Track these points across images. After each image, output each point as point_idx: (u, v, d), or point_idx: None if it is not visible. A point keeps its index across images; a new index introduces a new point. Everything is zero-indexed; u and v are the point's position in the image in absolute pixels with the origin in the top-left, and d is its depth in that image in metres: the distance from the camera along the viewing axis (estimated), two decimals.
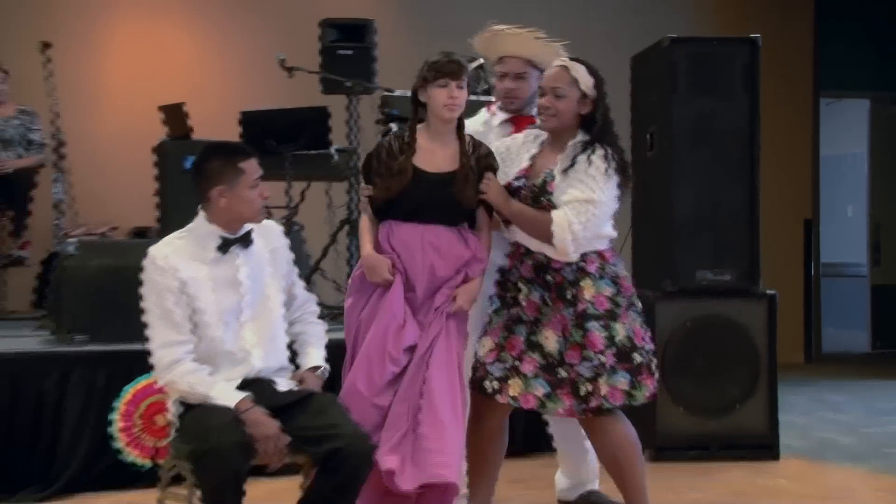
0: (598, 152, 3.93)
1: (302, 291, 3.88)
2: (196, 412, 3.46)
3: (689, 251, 5.76)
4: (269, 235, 3.74)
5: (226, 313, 3.58)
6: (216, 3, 8.13)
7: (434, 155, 3.93)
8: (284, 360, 3.74)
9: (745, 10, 9.59)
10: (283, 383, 3.66)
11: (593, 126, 3.98)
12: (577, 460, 4.61)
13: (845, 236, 11.29)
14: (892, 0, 9.88)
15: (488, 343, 4.06)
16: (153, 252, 3.57)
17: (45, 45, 6.96)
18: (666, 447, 5.69)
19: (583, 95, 3.99)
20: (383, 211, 3.95)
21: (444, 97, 3.86)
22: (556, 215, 3.85)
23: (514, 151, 4.14)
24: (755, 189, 5.86)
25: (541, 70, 4.29)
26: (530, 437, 5.96)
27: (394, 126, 6.13)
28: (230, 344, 3.59)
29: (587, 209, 3.85)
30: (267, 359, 3.65)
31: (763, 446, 5.83)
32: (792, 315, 9.96)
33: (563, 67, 4.01)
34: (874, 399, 8.10)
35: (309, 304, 3.89)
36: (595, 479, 4.64)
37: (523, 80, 4.38)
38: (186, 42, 8.22)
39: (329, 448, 3.42)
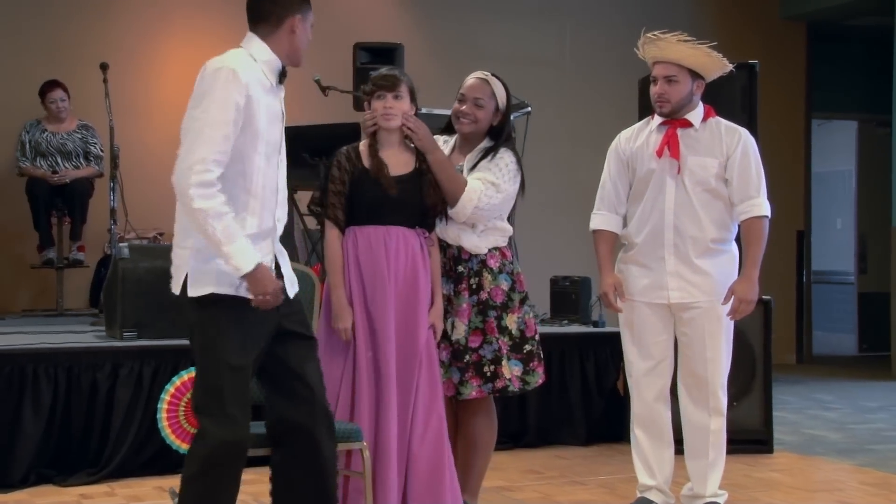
0: (504, 152, 4.03)
1: None
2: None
3: None
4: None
5: (269, 145, 3.19)
6: None
7: (386, 161, 3.87)
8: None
9: (744, 38, 9.55)
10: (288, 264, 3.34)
11: (500, 136, 4.06)
12: (701, 477, 4.32)
13: (834, 247, 11.28)
14: (878, 30, 9.85)
15: None
16: (231, 62, 3.09)
17: (104, 66, 6.98)
18: None
19: (497, 108, 4.05)
20: (345, 219, 3.87)
21: (381, 108, 3.84)
22: (471, 182, 3.92)
23: None
24: None
25: (693, 73, 4.20)
26: (542, 430, 5.93)
27: None
28: (269, 179, 3.19)
29: (493, 191, 3.93)
30: (284, 205, 3.32)
31: (758, 441, 5.80)
32: (785, 319, 9.96)
33: (485, 81, 4.07)
34: (860, 398, 8.08)
35: None
36: (712, 496, 4.34)
37: (673, 83, 4.18)
38: None
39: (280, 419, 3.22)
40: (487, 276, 4.00)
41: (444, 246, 4.01)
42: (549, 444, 5.87)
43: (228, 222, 3.01)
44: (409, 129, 3.84)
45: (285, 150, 3.33)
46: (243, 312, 3.10)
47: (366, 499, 3.53)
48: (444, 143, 4.13)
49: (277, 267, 3.26)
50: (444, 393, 3.92)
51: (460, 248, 3.99)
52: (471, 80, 4.08)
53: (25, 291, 7.75)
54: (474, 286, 3.99)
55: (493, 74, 4.11)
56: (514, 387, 3.99)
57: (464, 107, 4.03)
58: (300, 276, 3.74)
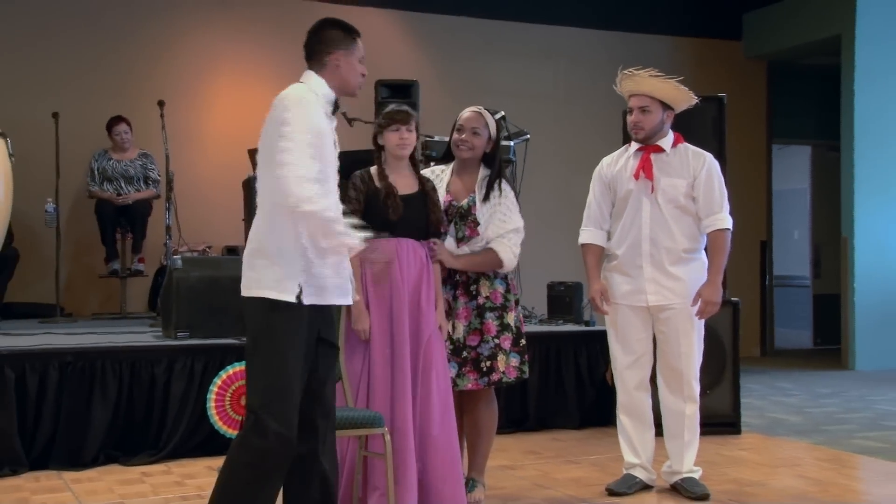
0: (506, 186, 4.03)
1: None
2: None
3: None
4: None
5: (334, 168, 3.08)
6: (293, 69, 8.10)
7: (395, 183, 3.84)
8: None
9: (714, 75, 9.56)
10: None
11: (493, 161, 4.04)
12: (679, 455, 4.30)
13: (792, 255, 11.24)
14: (828, 68, 9.83)
15: None
16: (301, 92, 3.03)
17: (161, 103, 7.00)
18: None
19: (489, 137, 4.02)
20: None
21: (396, 139, 3.81)
22: (502, 248, 3.92)
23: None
24: None
25: (664, 105, 4.20)
26: (541, 417, 5.90)
27: (432, 164, 6.10)
28: (339, 207, 3.07)
29: (518, 236, 3.97)
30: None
31: (728, 424, 5.77)
32: (751, 318, 9.93)
33: (479, 113, 4.07)
34: (815, 385, 8.04)
35: None
36: (688, 472, 4.32)
37: (646, 113, 4.19)
38: (270, 99, 8.16)
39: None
40: (485, 283, 4.00)
41: None
42: (547, 429, 5.84)
43: (336, 217, 2.97)
44: (437, 258, 3.85)
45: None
46: (305, 320, 3.01)
47: (387, 476, 3.51)
48: (442, 172, 4.12)
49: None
50: None
51: None
52: (467, 113, 4.07)
53: (94, 297, 7.77)
54: (473, 292, 3.99)
55: (485, 108, 4.10)
56: (510, 377, 3.98)
57: (463, 135, 4.02)
58: None
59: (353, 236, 3.03)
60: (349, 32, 3.16)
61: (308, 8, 8.39)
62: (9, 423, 4.68)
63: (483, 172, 4.06)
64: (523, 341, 4.04)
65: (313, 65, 3.16)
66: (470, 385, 3.94)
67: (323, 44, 3.13)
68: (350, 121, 6.49)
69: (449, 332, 3.95)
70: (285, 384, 2.96)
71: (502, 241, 3.94)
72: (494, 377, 3.95)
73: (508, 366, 3.97)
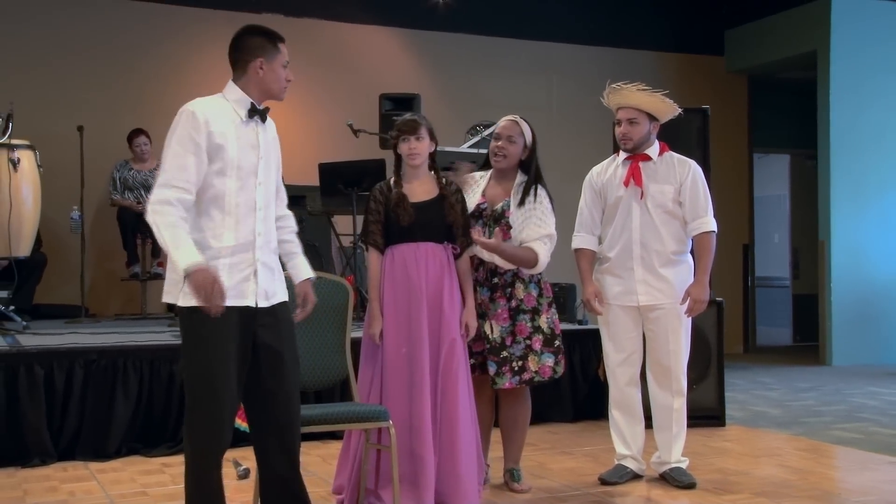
0: (542, 192, 3.99)
1: (283, 192, 3.20)
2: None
3: None
4: (270, 125, 3.12)
5: (241, 170, 2.93)
6: (303, 84, 8.13)
7: (413, 190, 3.81)
8: (274, 231, 3.07)
9: (698, 88, 9.57)
10: (276, 278, 3.02)
11: (529, 168, 4.00)
12: (667, 446, 4.30)
13: (773, 257, 11.24)
14: (805, 81, 9.84)
15: None
16: (192, 106, 2.93)
17: None
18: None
19: (525, 145, 3.98)
20: (384, 239, 3.79)
21: (406, 150, 3.78)
22: (541, 250, 3.89)
23: (469, 185, 4.10)
24: None
25: (650, 116, 4.17)
26: (537, 410, 5.86)
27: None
28: (244, 199, 2.92)
29: (551, 241, 3.94)
30: (267, 222, 3.00)
31: (713, 416, 5.76)
32: (734, 317, 9.92)
33: (515, 122, 4.03)
34: (795, 380, 8.04)
35: (286, 209, 3.23)
36: (676, 462, 4.31)
37: (634, 124, 4.17)
38: (279, 112, 8.13)
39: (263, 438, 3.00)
40: (520, 286, 3.97)
41: (480, 262, 3.96)
42: (543, 422, 5.82)
43: (177, 232, 2.80)
44: (486, 247, 3.79)
45: (272, 173, 3.06)
46: (217, 323, 2.82)
47: (392, 469, 3.50)
48: (482, 178, 4.10)
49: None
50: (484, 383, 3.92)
51: (496, 264, 3.95)
52: (504, 121, 4.05)
53: (116, 299, 7.77)
54: (509, 295, 3.96)
55: (522, 118, 4.06)
56: (543, 376, 3.97)
57: (499, 143, 4.00)
58: (335, 286, 3.71)
59: (184, 257, 2.77)
60: (272, 39, 3.02)
61: (318, 26, 8.42)
62: (38, 417, 4.69)
63: (520, 178, 4.02)
64: (557, 342, 4.01)
65: (235, 74, 3.04)
66: (507, 384, 3.94)
67: (244, 51, 3.00)
68: (356, 132, 6.50)
69: (487, 334, 3.92)
70: (201, 383, 2.88)
71: (541, 243, 3.90)
72: (526, 376, 3.94)
73: (543, 366, 3.96)
